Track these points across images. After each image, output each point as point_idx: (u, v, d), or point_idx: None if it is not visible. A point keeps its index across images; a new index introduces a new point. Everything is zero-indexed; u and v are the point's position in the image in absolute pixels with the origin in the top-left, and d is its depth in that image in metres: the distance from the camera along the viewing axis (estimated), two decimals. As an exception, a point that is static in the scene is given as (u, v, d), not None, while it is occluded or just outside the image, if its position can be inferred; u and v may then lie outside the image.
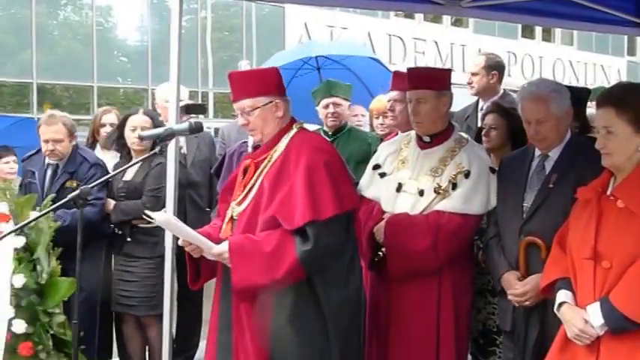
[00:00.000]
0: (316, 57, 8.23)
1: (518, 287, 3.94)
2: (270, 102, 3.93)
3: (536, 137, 3.98)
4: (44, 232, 4.63)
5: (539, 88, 3.99)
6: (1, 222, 4.57)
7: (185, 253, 4.03)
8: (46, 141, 5.43)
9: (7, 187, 4.77)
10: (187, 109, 5.95)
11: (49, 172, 5.51)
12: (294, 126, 4.03)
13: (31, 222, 4.37)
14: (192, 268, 4.06)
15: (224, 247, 3.77)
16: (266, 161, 3.95)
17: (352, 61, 8.18)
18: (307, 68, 8.12)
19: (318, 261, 3.77)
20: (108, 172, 5.48)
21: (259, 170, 3.96)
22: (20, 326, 4.42)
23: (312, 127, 5.70)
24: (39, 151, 5.64)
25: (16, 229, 4.26)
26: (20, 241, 4.59)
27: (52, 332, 4.52)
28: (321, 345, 3.83)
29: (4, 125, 7.91)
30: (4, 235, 4.21)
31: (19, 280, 4.49)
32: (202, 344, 6.18)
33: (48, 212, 4.16)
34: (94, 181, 5.17)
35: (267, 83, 4.00)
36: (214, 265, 4.03)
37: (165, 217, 3.85)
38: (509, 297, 4.01)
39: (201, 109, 5.60)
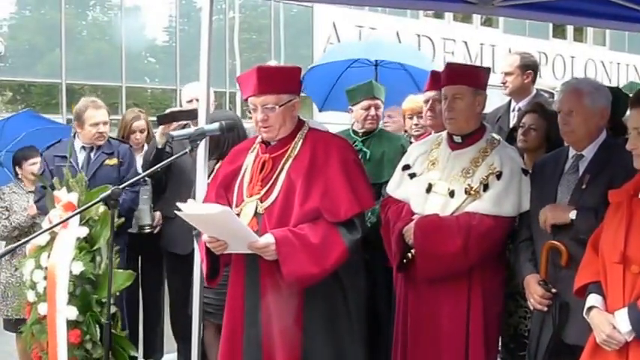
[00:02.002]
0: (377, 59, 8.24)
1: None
2: (291, 100, 3.98)
3: (565, 128, 3.95)
4: (109, 225, 4.67)
5: (579, 82, 4.03)
6: (67, 211, 4.61)
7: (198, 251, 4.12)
8: (96, 124, 5.72)
9: (80, 179, 4.80)
10: (174, 117, 5.80)
11: (82, 155, 5.79)
12: (305, 124, 4.13)
13: (82, 211, 4.42)
14: (211, 265, 4.07)
15: (269, 239, 3.77)
16: (286, 156, 4.00)
17: (411, 67, 8.15)
18: (364, 62, 8.12)
19: (358, 249, 3.94)
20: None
21: (280, 165, 3.98)
22: (72, 313, 4.46)
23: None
24: (59, 141, 5.92)
25: (70, 217, 4.34)
26: (84, 232, 4.66)
27: (101, 323, 4.53)
28: (348, 331, 4.00)
29: (33, 127, 7.92)
30: (62, 221, 4.31)
31: (78, 268, 4.55)
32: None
33: (94, 204, 4.15)
34: (133, 163, 5.75)
35: (292, 82, 4.05)
36: (229, 261, 4.09)
37: (222, 209, 3.76)
38: (528, 299, 4.01)
39: (190, 114, 5.43)
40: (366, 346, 4.17)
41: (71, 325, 4.49)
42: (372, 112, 5.45)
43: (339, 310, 3.98)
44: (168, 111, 5.74)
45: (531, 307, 4.00)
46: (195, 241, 4.28)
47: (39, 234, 4.29)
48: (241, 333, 4.01)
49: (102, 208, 4.68)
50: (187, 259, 5.75)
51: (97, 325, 4.54)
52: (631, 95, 3.86)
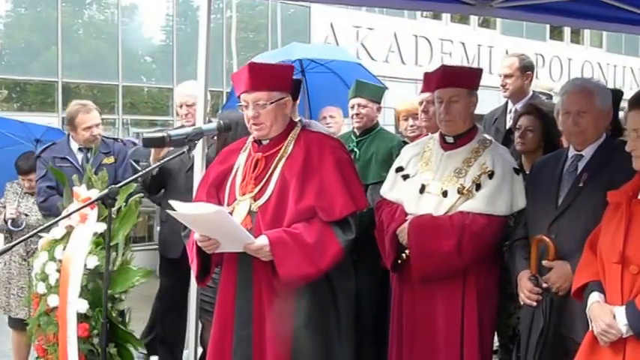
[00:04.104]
0: (300, 60, 8.28)
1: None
2: (283, 98, 3.99)
3: (573, 129, 3.95)
4: (129, 222, 4.70)
5: (585, 82, 4.02)
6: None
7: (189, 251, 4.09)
8: (90, 127, 5.91)
9: (103, 177, 4.83)
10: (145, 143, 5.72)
11: (80, 156, 5.96)
12: (298, 124, 4.15)
13: (79, 210, 4.41)
14: (201, 265, 4.06)
15: (263, 241, 3.77)
16: (279, 155, 4.00)
17: (337, 65, 8.21)
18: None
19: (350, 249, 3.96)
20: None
21: (273, 164, 3.99)
22: (83, 306, 4.46)
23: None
24: (54, 143, 6.16)
25: (67, 216, 4.34)
26: (101, 227, 4.68)
27: (111, 318, 4.51)
28: (336, 331, 4.00)
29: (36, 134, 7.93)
30: (62, 218, 4.31)
31: (92, 262, 4.56)
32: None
33: (91, 203, 4.22)
34: (130, 155, 5.94)
35: (284, 79, 4.05)
36: (220, 261, 4.10)
37: (216, 209, 3.76)
38: (519, 294, 4.03)
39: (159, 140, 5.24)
40: (353, 345, 4.17)
41: (80, 318, 4.49)
42: (355, 110, 5.48)
43: (329, 309, 3.99)
44: (159, 135, 5.60)
45: (521, 302, 4.01)
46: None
47: (45, 227, 4.23)
48: (231, 332, 4.01)
49: (123, 204, 4.70)
50: (177, 262, 5.72)
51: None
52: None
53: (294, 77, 4.21)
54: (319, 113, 7.39)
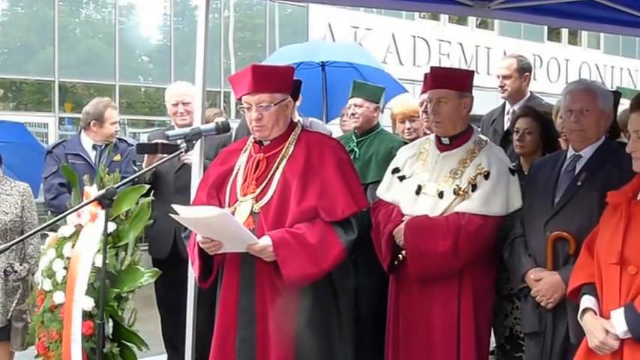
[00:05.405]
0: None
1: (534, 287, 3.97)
2: (284, 99, 4.00)
3: (575, 127, 3.97)
4: (140, 222, 4.66)
5: (589, 83, 4.08)
6: (97, 206, 4.58)
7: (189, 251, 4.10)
8: (115, 122, 6.13)
9: (115, 178, 4.80)
10: (156, 148, 5.67)
11: (93, 153, 6.04)
12: (298, 125, 4.16)
13: (77, 209, 4.40)
14: (203, 266, 4.05)
15: (266, 241, 3.78)
16: (280, 156, 4.01)
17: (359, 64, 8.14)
18: (310, 64, 8.08)
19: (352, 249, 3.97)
20: None
21: (275, 165, 4.00)
22: (89, 303, 4.45)
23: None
24: (64, 141, 6.27)
25: (66, 215, 4.25)
26: (111, 227, 4.63)
27: (115, 317, 4.50)
28: (338, 330, 4.02)
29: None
30: (62, 217, 4.20)
31: (101, 261, 4.51)
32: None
33: (89, 203, 4.19)
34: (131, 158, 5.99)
35: (285, 81, 4.06)
36: (222, 262, 4.08)
37: (220, 211, 3.76)
38: (533, 294, 4.00)
39: (152, 147, 5.19)
40: (354, 345, 4.18)
41: (85, 316, 4.47)
42: (352, 110, 5.46)
43: (330, 308, 4.00)
44: (153, 142, 5.55)
45: (543, 304, 3.96)
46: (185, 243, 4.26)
47: (47, 226, 4.22)
48: (234, 333, 4.01)
49: (134, 205, 4.67)
50: (165, 263, 5.65)
51: (111, 320, 4.51)
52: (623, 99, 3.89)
53: (296, 78, 4.21)
54: (343, 108, 7.32)
